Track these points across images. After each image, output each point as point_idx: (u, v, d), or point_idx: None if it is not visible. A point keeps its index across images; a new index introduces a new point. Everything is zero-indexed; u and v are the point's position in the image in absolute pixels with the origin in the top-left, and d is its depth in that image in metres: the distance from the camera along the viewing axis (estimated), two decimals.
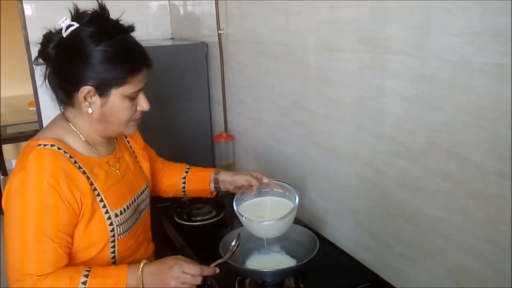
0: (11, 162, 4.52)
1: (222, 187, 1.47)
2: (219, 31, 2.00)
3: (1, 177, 4.38)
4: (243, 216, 1.25)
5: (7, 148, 4.45)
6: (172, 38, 2.68)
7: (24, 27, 2.32)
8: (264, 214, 1.31)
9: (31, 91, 2.36)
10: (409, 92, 1.08)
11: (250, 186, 1.36)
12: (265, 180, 1.37)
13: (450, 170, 1.00)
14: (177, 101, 2.25)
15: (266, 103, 1.78)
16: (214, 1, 1.98)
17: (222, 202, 1.76)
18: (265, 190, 1.37)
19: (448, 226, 1.03)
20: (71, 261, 1.15)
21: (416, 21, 1.03)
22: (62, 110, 1.23)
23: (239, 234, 1.16)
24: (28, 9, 2.34)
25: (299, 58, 1.49)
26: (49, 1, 2.27)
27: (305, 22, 1.44)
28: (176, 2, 2.61)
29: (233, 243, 1.16)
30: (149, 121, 2.00)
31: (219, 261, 1.13)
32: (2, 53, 4.32)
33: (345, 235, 1.43)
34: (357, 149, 1.30)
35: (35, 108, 2.43)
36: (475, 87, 0.91)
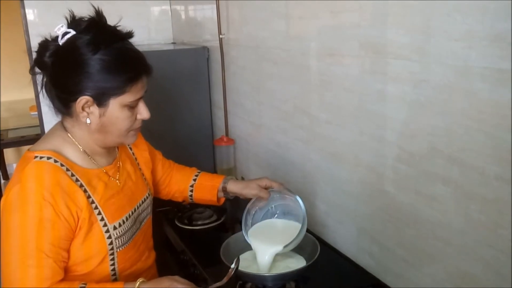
0: (12, 166, 4.53)
1: (231, 195, 1.46)
2: (220, 36, 2.01)
3: (2, 181, 4.39)
4: (250, 242, 1.29)
5: (9, 152, 4.46)
6: (173, 43, 2.69)
7: (26, 32, 2.33)
8: (273, 238, 1.30)
9: (32, 96, 2.37)
10: (410, 96, 1.08)
11: (261, 197, 1.36)
12: (275, 188, 1.36)
13: (451, 174, 1.00)
14: (178, 105, 2.26)
15: (267, 107, 1.78)
16: (215, 6, 1.98)
17: (223, 206, 1.75)
18: (276, 195, 1.37)
19: (449, 230, 1.03)
20: (70, 273, 1.13)
21: (417, 26, 1.03)
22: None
23: (238, 257, 1.14)
24: (30, 14, 2.35)
25: (300, 63, 1.50)
26: (51, 7, 2.28)
27: (306, 27, 1.45)
28: (178, 7, 2.62)
29: (232, 266, 1.13)
30: (150, 125, 2.00)
31: (217, 284, 1.10)
32: (4, 58, 4.33)
33: (346, 240, 1.42)
34: (359, 154, 1.30)
35: (36, 113, 2.44)
36: (475, 91, 0.91)
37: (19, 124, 3.78)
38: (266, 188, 1.37)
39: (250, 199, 1.39)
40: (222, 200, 1.50)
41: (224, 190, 1.45)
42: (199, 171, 1.53)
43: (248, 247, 1.32)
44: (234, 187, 1.43)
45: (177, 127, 2.27)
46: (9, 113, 4.25)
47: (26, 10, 2.34)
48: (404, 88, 1.09)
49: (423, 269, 1.14)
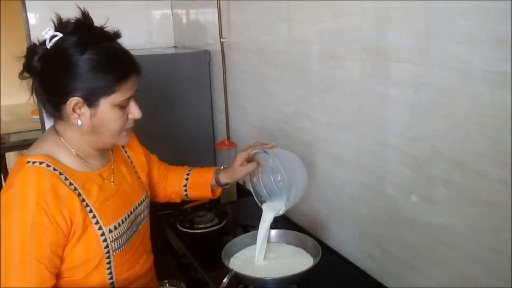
0: None
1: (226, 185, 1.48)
2: (222, 40, 2.01)
3: (4, 184, 4.39)
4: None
5: (10, 156, 4.47)
6: (175, 47, 2.69)
7: (28, 36, 2.34)
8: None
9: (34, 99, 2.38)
10: (412, 100, 1.08)
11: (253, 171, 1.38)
12: (254, 151, 1.36)
13: (453, 178, 1.00)
14: (179, 109, 2.26)
15: (268, 110, 1.79)
16: (216, 10, 1.99)
17: (224, 209, 1.76)
18: (262, 155, 1.36)
19: (452, 234, 1.03)
20: (67, 278, 1.13)
21: (418, 29, 1.03)
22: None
23: (232, 269, 1.14)
24: (32, 18, 2.36)
25: (302, 66, 1.50)
26: (53, 11, 2.29)
27: (307, 31, 1.45)
28: (179, 11, 2.62)
29: (225, 280, 1.12)
30: (151, 128, 1.99)
31: None
32: (6, 62, 4.34)
33: (348, 243, 1.42)
34: (361, 157, 1.30)
35: (38, 116, 2.45)
36: (477, 94, 0.91)
37: (21, 128, 3.79)
38: (249, 160, 1.38)
39: None
40: (218, 192, 1.51)
41: (218, 181, 1.45)
42: (189, 168, 1.53)
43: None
44: (226, 178, 1.44)
45: (179, 131, 2.27)
46: (11, 117, 4.25)
47: (28, 14, 2.35)
48: (406, 91, 1.09)
49: (425, 273, 1.13)
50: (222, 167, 1.47)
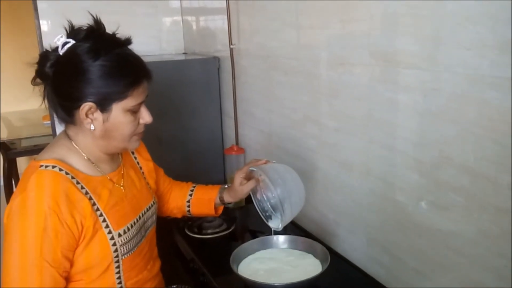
0: None
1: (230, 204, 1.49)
2: (231, 46, 2.02)
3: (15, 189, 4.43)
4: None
5: (22, 161, 4.51)
6: (185, 53, 2.71)
7: (41, 43, 2.37)
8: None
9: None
10: (421, 105, 1.08)
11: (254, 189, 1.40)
12: (250, 169, 1.38)
13: (463, 183, 0.99)
14: (189, 115, 2.27)
15: (277, 116, 1.79)
16: (226, 17, 2.00)
17: (233, 215, 1.76)
18: (258, 173, 1.37)
19: (461, 240, 1.02)
20: (76, 281, 1.14)
21: (427, 34, 1.03)
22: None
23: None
24: (44, 25, 2.39)
25: (310, 72, 1.50)
26: (65, 18, 2.32)
27: (316, 37, 1.45)
28: (189, 18, 2.65)
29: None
30: (161, 133, 2.01)
31: None
32: (19, 67, 4.41)
33: (357, 250, 1.42)
34: (369, 163, 1.30)
35: (49, 122, 2.48)
36: (486, 100, 0.91)
37: (32, 133, 3.83)
38: (247, 178, 1.39)
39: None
40: (220, 210, 1.51)
41: (222, 200, 1.46)
42: (194, 185, 1.54)
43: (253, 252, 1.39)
44: (229, 197, 1.45)
45: (188, 136, 2.28)
46: (22, 122, 4.31)
47: (40, 21, 2.39)
48: (414, 96, 1.09)
49: (435, 279, 1.12)
50: (226, 186, 1.48)
